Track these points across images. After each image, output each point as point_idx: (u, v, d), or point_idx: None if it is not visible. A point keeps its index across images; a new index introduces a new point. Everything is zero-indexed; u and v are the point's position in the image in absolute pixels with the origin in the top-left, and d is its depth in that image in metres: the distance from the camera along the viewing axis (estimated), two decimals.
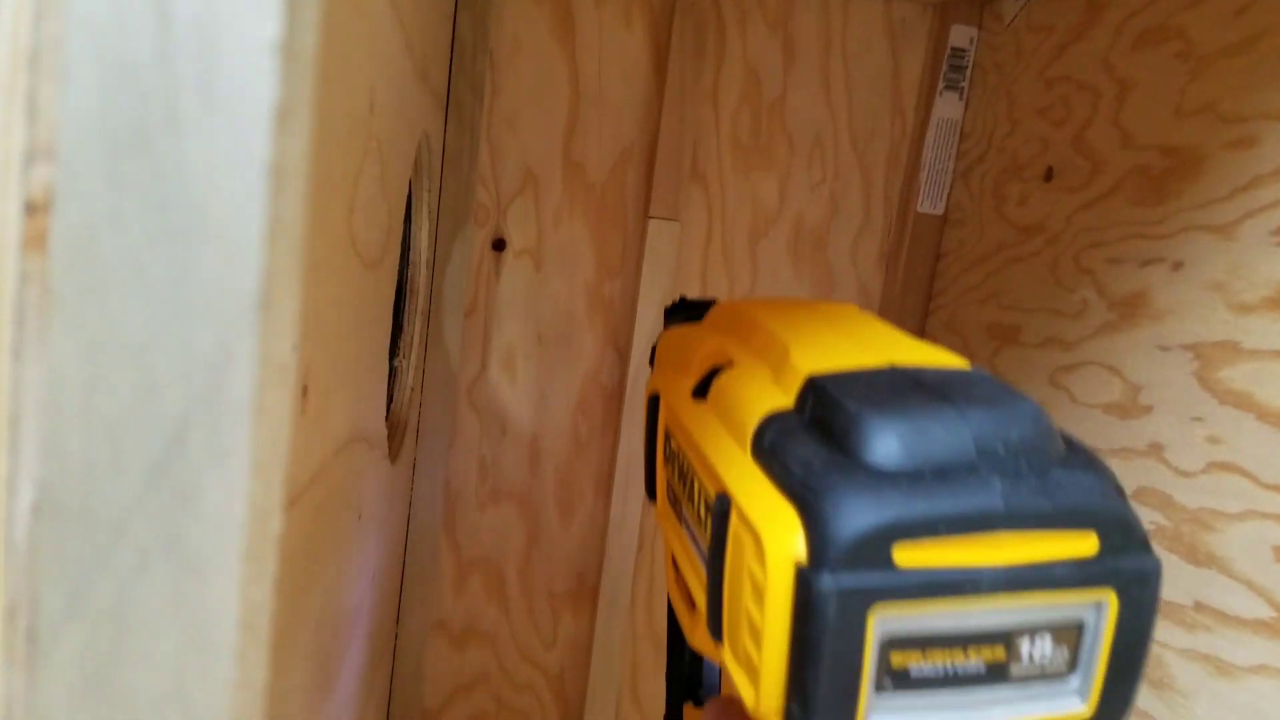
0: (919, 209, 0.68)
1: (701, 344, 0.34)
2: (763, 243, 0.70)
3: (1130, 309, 0.48)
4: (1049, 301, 0.54)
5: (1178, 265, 0.45)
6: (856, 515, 0.21)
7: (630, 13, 0.65)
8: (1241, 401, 0.40)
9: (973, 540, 0.21)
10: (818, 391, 0.25)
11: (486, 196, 0.67)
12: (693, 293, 0.69)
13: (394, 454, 0.53)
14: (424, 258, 0.63)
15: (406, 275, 0.63)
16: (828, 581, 0.21)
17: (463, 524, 0.69)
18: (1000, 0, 0.63)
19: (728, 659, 0.25)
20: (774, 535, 0.22)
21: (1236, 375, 0.41)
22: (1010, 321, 0.58)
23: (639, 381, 0.67)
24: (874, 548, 0.21)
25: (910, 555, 0.21)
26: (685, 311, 0.44)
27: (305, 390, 0.27)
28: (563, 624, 0.71)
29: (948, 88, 0.67)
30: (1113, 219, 0.50)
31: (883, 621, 0.21)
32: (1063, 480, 0.22)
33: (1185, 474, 0.43)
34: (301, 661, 0.31)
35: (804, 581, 0.21)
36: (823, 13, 0.67)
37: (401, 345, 0.62)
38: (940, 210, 0.68)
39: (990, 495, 0.21)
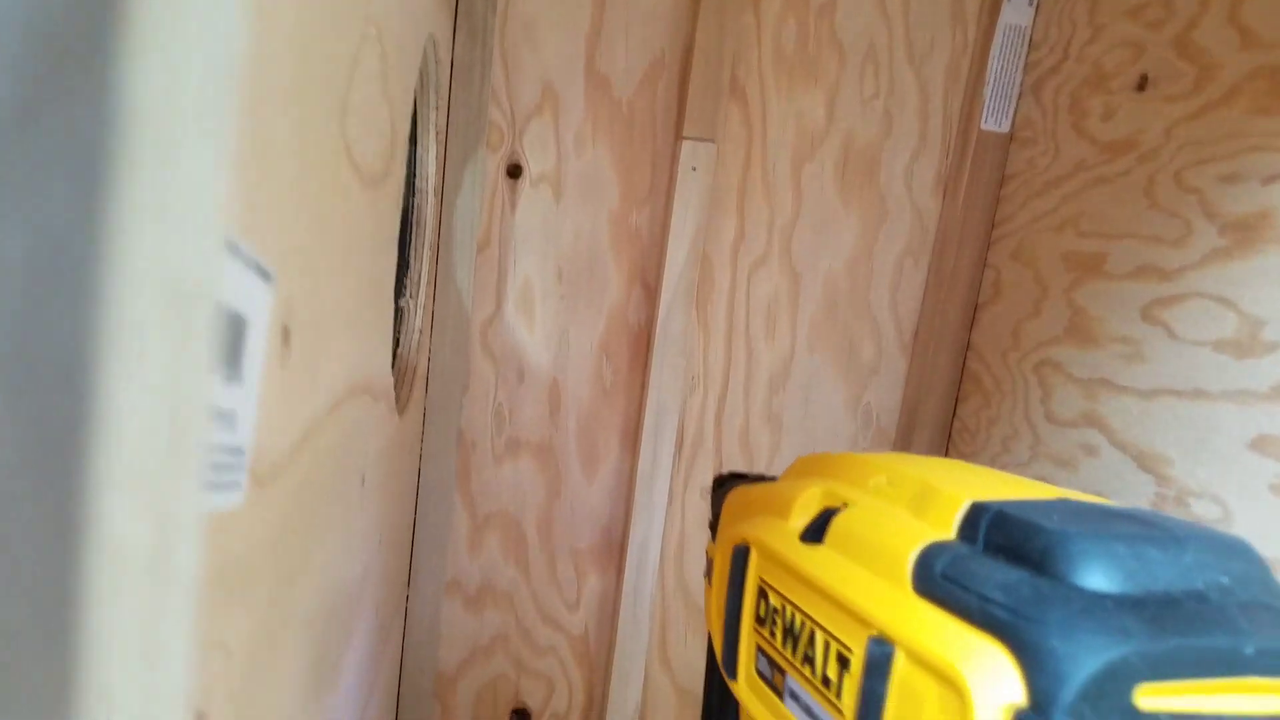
0: (982, 126, 0.61)
1: (800, 490, 0.30)
2: (808, 167, 0.63)
3: (1249, 232, 0.41)
4: (1142, 227, 0.48)
5: None
6: (1092, 648, 0.17)
7: None
8: None
9: (1221, 685, 0.17)
10: (995, 517, 0.21)
11: (500, 116, 0.60)
12: (729, 226, 0.63)
13: (401, 405, 0.47)
14: (432, 185, 0.57)
15: (413, 204, 0.56)
16: None
17: (478, 478, 0.63)
18: None
19: None
20: (979, 677, 0.18)
21: None
22: (1092, 249, 0.51)
23: (670, 321, 0.61)
24: (1115, 689, 0.17)
25: (1155, 699, 0.17)
26: (739, 480, 0.39)
27: (286, 333, 0.21)
28: (587, 583, 0.65)
29: None
30: (1227, 130, 0.43)
31: None
32: None
33: None
34: (293, 649, 0.26)
35: None
36: None
37: (408, 283, 0.56)
38: (1006, 128, 0.61)
39: (1236, 633, 0.18)
